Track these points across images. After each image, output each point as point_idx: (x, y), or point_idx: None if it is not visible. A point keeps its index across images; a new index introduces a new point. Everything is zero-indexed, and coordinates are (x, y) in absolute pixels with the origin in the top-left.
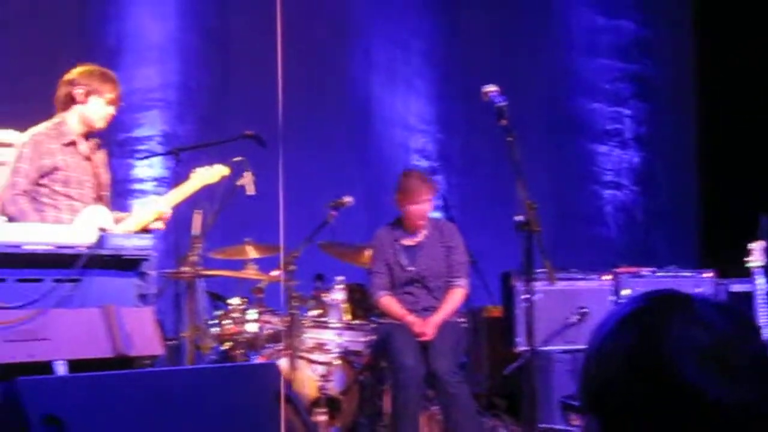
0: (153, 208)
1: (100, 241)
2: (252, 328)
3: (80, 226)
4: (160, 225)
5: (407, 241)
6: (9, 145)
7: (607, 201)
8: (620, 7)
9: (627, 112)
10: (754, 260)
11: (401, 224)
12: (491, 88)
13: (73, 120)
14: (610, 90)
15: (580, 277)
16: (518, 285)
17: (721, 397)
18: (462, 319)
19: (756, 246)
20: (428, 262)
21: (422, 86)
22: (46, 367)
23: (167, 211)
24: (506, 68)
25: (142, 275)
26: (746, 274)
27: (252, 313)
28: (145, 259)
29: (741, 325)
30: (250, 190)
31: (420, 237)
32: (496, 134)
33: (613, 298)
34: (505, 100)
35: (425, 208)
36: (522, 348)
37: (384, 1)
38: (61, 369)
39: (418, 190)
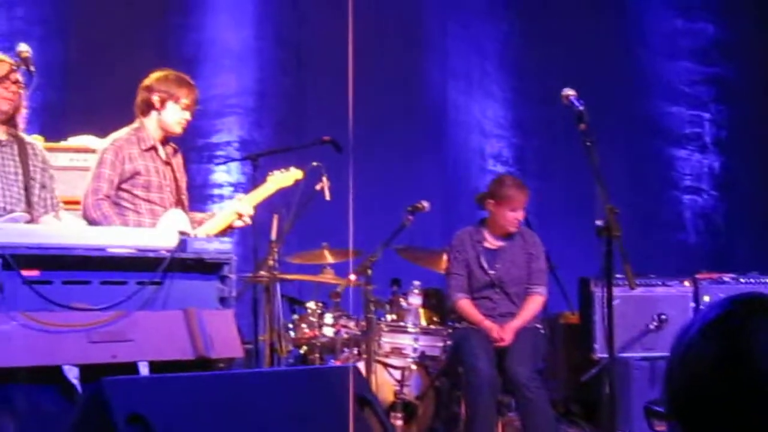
0: (233, 208)
1: (182, 245)
2: (328, 332)
3: (161, 230)
4: (241, 223)
5: (490, 244)
6: (90, 151)
7: (687, 206)
8: (699, 8)
9: (707, 115)
10: None
11: (485, 226)
12: (570, 92)
13: (151, 125)
14: (690, 93)
15: (659, 283)
16: (596, 291)
17: None
18: (540, 326)
19: None
20: (509, 267)
21: (498, 91)
22: (128, 367)
23: (248, 210)
24: (583, 71)
25: (222, 278)
26: None
27: (329, 318)
28: (226, 263)
29: None
30: (327, 195)
31: (503, 241)
32: (573, 138)
33: (694, 304)
34: (583, 104)
35: (521, 215)
36: (600, 355)
37: (459, 6)
38: (143, 370)
39: (516, 197)
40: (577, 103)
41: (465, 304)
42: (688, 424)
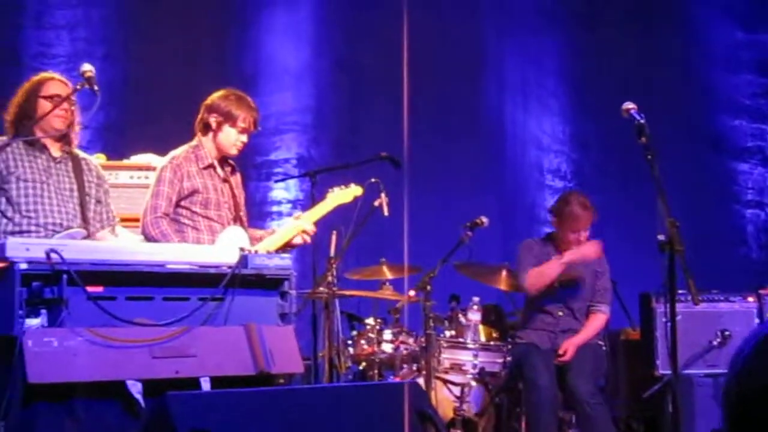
0: (294, 224)
1: (243, 261)
2: (387, 348)
3: (222, 246)
4: (300, 240)
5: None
6: (151, 169)
7: (749, 221)
8: (760, 20)
9: None
10: None
11: (552, 242)
12: (630, 106)
13: (209, 144)
14: (752, 106)
15: (722, 298)
16: (657, 306)
17: None
18: (602, 342)
19: None
20: (574, 286)
21: (556, 105)
22: (190, 382)
23: (309, 227)
24: (642, 85)
25: (282, 294)
26: None
27: (388, 334)
28: (286, 279)
29: None
30: (386, 211)
31: None
32: (632, 153)
33: (758, 320)
34: (643, 117)
35: (583, 236)
36: (662, 371)
37: (516, 21)
38: (205, 385)
39: (578, 219)
40: (637, 117)
41: (536, 270)
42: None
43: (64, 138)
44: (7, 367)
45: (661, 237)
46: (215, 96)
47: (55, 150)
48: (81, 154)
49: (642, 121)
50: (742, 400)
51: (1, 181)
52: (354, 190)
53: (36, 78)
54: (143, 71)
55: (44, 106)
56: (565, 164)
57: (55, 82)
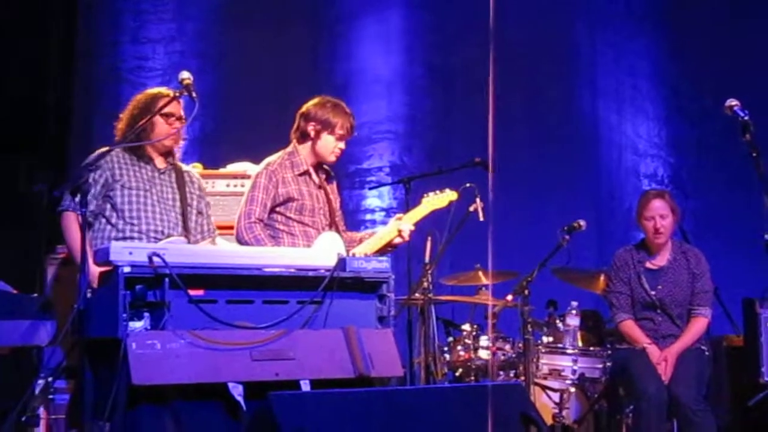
0: (394, 224)
1: (342, 264)
2: (484, 354)
3: (318, 251)
4: (400, 240)
5: (651, 264)
6: (247, 177)
7: None
8: None
9: None
10: None
11: (644, 247)
12: (733, 102)
13: (305, 151)
14: None
15: None
16: (762, 312)
17: None
18: (705, 347)
19: None
20: (672, 288)
21: (651, 109)
22: (290, 385)
23: (409, 227)
24: (739, 85)
25: (381, 297)
26: None
27: (484, 340)
28: (384, 282)
29: None
30: (481, 216)
31: (664, 261)
32: (730, 156)
33: None
34: (747, 114)
35: (651, 224)
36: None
37: (608, 25)
38: (305, 388)
39: (647, 202)
40: (741, 114)
41: (629, 325)
42: None
43: (169, 151)
44: (112, 369)
45: (767, 236)
46: (311, 104)
47: (160, 162)
48: (184, 167)
49: (746, 118)
50: None
51: (106, 188)
52: (449, 195)
53: (152, 92)
54: (237, 82)
55: (159, 121)
56: (662, 168)
57: (171, 100)
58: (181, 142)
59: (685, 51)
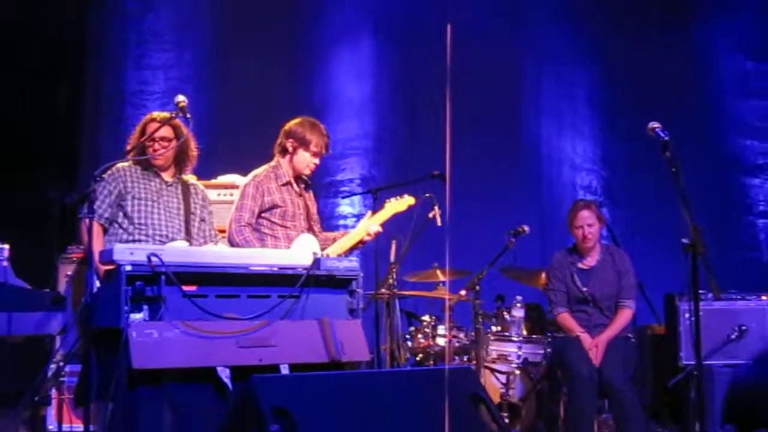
0: (363, 225)
1: (317, 264)
2: (441, 341)
3: (297, 251)
4: (368, 238)
5: (582, 265)
6: (235, 187)
7: (761, 229)
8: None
9: None
10: None
11: (576, 250)
12: (655, 125)
13: (286, 165)
14: (761, 128)
15: (738, 297)
16: (681, 305)
17: None
18: (631, 335)
19: None
20: (601, 284)
21: (587, 130)
22: (271, 369)
23: (376, 227)
24: (664, 110)
25: (351, 293)
26: None
27: (441, 329)
28: (354, 279)
29: None
30: (438, 221)
31: (594, 262)
32: (655, 171)
33: None
34: (668, 134)
35: (580, 232)
36: (686, 362)
37: (550, 55)
38: (284, 371)
39: (575, 216)
40: (662, 134)
41: (565, 317)
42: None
43: (177, 166)
44: (115, 354)
45: (685, 240)
46: (292, 123)
47: (167, 176)
48: (191, 180)
49: (666, 138)
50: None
51: (120, 198)
52: (408, 200)
53: (148, 117)
54: (227, 104)
55: (148, 144)
56: (595, 181)
57: (160, 126)
58: (193, 161)
59: (616, 80)
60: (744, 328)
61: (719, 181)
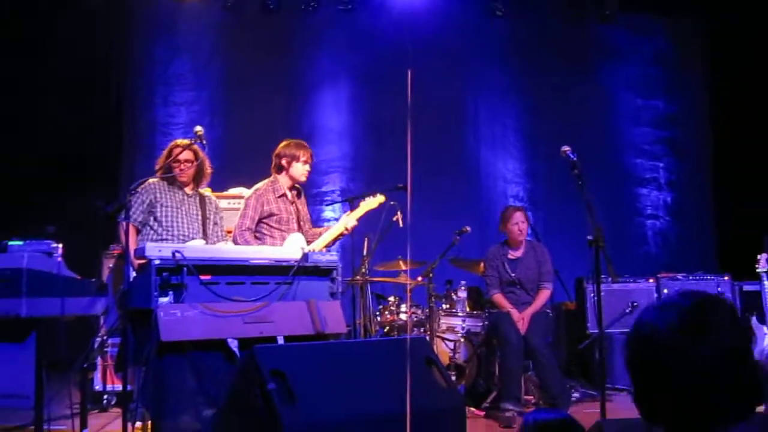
0: (343, 221)
1: (305, 257)
2: (403, 317)
3: (288, 248)
4: (347, 232)
5: (511, 255)
6: (240, 197)
7: (649, 228)
8: (654, 90)
9: (661, 164)
10: (761, 267)
11: (506, 244)
12: (566, 148)
13: (282, 179)
14: (649, 150)
15: (631, 280)
16: (588, 286)
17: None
18: (549, 311)
19: (762, 257)
20: (525, 271)
21: (515, 152)
22: (270, 339)
23: (353, 223)
24: (575, 136)
25: (332, 279)
26: (755, 277)
27: (403, 307)
28: (334, 269)
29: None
30: (401, 223)
31: (520, 253)
32: (568, 182)
33: (657, 294)
34: (576, 156)
35: (516, 228)
36: (591, 330)
37: (486, 92)
38: (280, 341)
39: (511, 216)
40: (572, 156)
41: (498, 297)
42: (633, 372)
43: (194, 183)
44: (147, 330)
45: (589, 237)
46: (281, 145)
47: (188, 190)
48: (206, 192)
49: (575, 159)
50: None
51: (151, 206)
52: (379, 198)
53: (173, 143)
54: (235, 131)
55: (174, 165)
56: (522, 191)
57: (183, 150)
58: (207, 178)
59: (538, 112)
60: (636, 304)
61: (617, 191)
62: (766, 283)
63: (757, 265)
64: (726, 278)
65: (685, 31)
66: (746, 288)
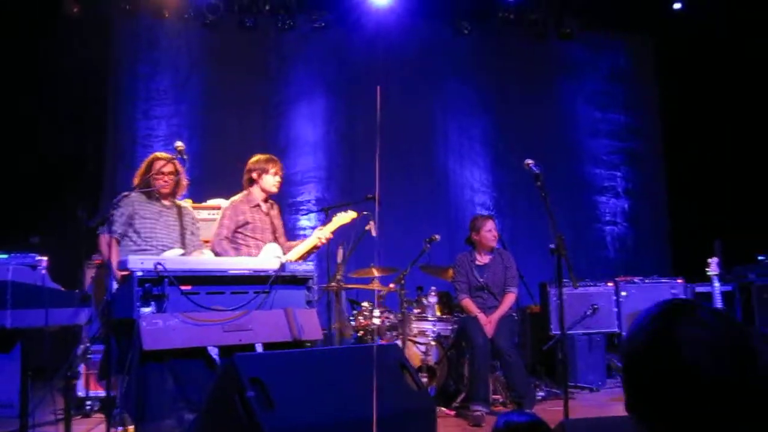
0: (316, 234)
1: (282, 267)
2: (377, 321)
3: (265, 257)
4: (319, 244)
5: (479, 262)
6: (219, 208)
7: (608, 233)
8: (611, 105)
9: (618, 174)
10: (711, 270)
11: (475, 251)
12: (529, 161)
13: (256, 192)
14: (607, 160)
15: (592, 284)
16: (551, 290)
17: (710, 374)
18: (515, 314)
19: (712, 260)
20: (492, 276)
21: (482, 162)
22: (249, 347)
23: (327, 235)
24: (536, 147)
25: (308, 288)
26: (706, 279)
27: (377, 312)
28: (310, 278)
29: (733, 325)
30: (374, 232)
31: (487, 259)
32: (531, 192)
33: (615, 297)
34: (539, 168)
35: (490, 234)
36: (554, 332)
37: (454, 107)
38: (259, 348)
39: (484, 224)
40: (535, 168)
41: (466, 301)
42: (628, 376)
43: (171, 194)
44: (129, 339)
45: (551, 246)
46: (251, 161)
47: (166, 201)
48: (183, 204)
49: (537, 171)
50: (630, 355)
51: (130, 218)
52: (351, 214)
53: (152, 156)
54: (214, 145)
55: (153, 178)
56: (489, 200)
57: (162, 161)
58: (183, 190)
59: (503, 126)
60: (596, 306)
61: (577, 198)
62: (716, 285)
63: (708, 269)
64: (680, 281)
65: (641, 48)
66: (698, 290)
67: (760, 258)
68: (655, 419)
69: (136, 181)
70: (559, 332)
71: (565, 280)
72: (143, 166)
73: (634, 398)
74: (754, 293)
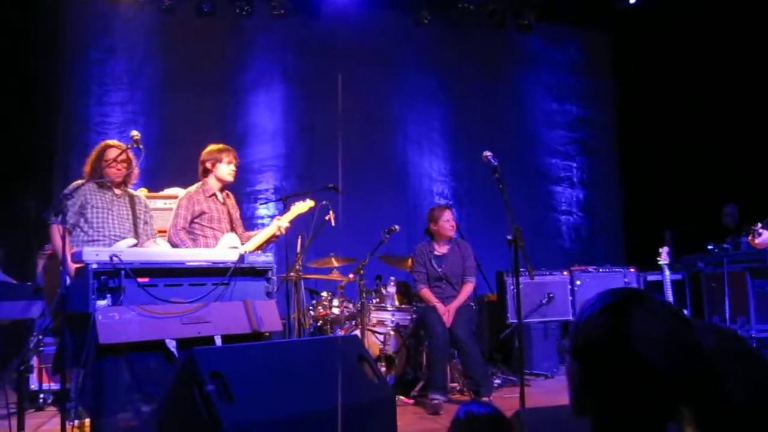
0: (274, 224)
1: (241, 259)
2: (336, 311)
3: (223, 248)
4: (278, 233)
5: (437, 252)
6: (175, 197)
7: (563, 223)
8: (567, 96)
9: (574, 164)
10: (662, 259)
11: (433, 241)
12: (488, 153)
13: (211, 181)
14: (563, 150)
15: (547, 273)
16: (508, 280)
17: (661, 368)
18: (473, 303)
19: (663, 250)
20: (450, 266)
21: (441, 152)
22: (208, 339)
23: (285, 225)
24: (494, 138)
25: (267, 279)
26: (657, 268)
27: (335, 302)
28: (269, 269)
29: (680, 318)
30: (332, 222)
31: (445, 250)
32: (489, 182)
33: (570, 286)
34: (496, 160)
35: (449, 224)
36: (511, 320)
37: (413, 97)
38: (218, 341)
39: (442, 214)
40: (492, 160)
41: (425, 292)
42: (581, 363)
43: (123, 183)
44: (85, 332)
45: (509, 237)
46: (204, 152)
47: (117, 190)
48: (135, 192)
49: (495, 163)
50: (582, 343)
51: (81, 208)
52: (308, 203)
53: (104, 144)
54: (170, 132)
55: (107, 166)
56: (447, 189)
57: (115, 150)
58: (134, 179)
59: (461, 116)
60: (551, 295)
61: (534, 188)
62: (667, 273)
63: (659, 258)
64: (632, 270)
65: (596, 41)
66: (650, 278)
67: (709, 247)
68: (603, 409)
69: (86, 169)
70: (515, 321)
71: (522, 270)
72: (94, 154)
73: (584, 388)
74: (703, 281)
